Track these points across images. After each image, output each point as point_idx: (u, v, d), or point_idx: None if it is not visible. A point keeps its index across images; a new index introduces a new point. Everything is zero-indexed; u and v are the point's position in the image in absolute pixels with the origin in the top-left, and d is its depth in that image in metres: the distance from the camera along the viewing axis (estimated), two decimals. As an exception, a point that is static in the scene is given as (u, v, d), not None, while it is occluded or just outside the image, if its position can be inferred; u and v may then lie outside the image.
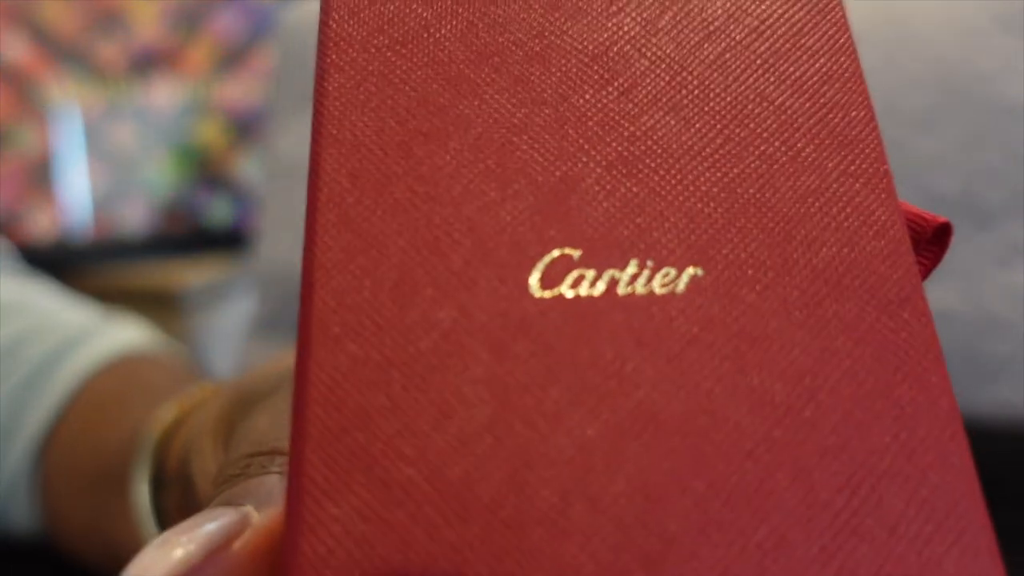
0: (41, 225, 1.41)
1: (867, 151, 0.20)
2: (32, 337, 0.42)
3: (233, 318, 1.44)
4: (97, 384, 0.42)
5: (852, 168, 0.20)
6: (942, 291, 0.61)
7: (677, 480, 0.17)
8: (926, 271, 0.21)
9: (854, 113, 0.21)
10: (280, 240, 0.76)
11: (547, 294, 0.18)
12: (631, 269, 0.18)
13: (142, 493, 0.34)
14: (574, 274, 0.18)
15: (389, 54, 0.21)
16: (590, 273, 0.18)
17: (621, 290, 0.18)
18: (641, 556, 0.16)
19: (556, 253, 0.18)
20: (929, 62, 0.62)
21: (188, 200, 1.49)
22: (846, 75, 0.21)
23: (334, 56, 0.21)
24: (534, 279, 0.18)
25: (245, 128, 1.50)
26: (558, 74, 0.21)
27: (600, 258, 0.18)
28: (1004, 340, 0.60)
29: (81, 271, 1.41)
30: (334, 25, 0.21)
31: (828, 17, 0.22)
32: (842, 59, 0.22)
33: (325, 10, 0.22)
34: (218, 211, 1.51)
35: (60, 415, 0.41)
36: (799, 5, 0.22)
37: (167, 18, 1.45)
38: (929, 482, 0.17)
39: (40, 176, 1.40)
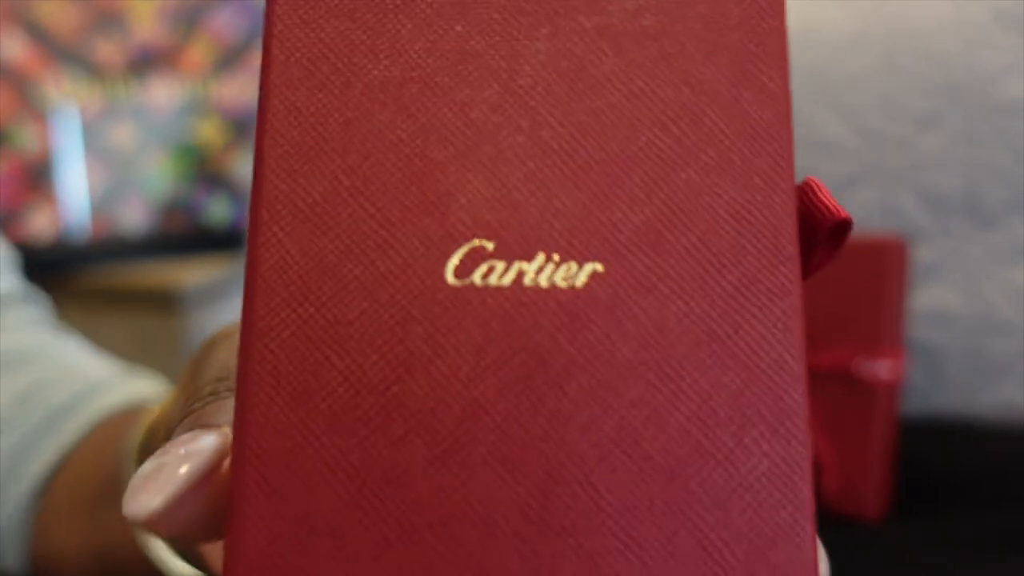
0: (39, 224, 1.40)
1: (776, 158, 0.21)
2: (49, 386, 0.43)
3: (231, 317, 1.43)
4: (105, 427, 0.43)
5: (756, 182, 0.21)
6: (944, 290, 0.61)
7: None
8: (817, 267, 0.22)
9: (766, 114, 0.22)
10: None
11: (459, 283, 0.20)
12: (538, 262, 0.20)
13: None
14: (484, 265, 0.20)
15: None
16: (500, 264, 0.20)
17: (527, 281, 0.20)
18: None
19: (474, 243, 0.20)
20: (930, 60, 0.62)
21: (187, 199, 1.49)
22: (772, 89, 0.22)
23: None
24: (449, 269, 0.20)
25: (244, 127, 1.50)
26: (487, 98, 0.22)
27: (510, 251, 0.20)
28: (1007, 340, 0.60)
29: (79, 270, 1.40)
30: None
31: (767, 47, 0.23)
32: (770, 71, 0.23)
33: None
34: (217, 210, 1.51)
35: (66, 458, 0.43)
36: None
37: (166, 17, 1.44)
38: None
39: (38, 176, 1.39)
